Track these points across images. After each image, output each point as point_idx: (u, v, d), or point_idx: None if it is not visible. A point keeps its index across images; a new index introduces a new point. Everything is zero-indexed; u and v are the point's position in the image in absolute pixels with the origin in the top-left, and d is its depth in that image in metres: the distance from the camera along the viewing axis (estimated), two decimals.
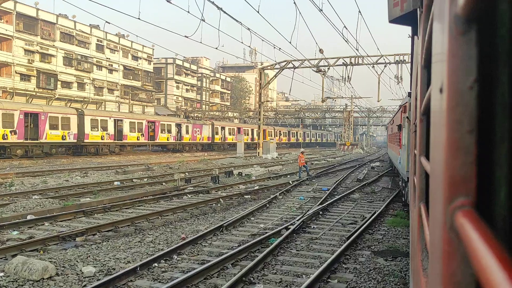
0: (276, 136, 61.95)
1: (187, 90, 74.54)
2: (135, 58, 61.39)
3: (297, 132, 69.79)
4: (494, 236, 0.50)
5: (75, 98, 48.25)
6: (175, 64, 68.82)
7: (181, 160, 25.29)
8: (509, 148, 0.61)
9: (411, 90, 6.37)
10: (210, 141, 46.33)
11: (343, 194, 14.31)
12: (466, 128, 0.64)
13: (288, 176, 20.46)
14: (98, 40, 53.23)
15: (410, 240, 4.42)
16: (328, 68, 30.54)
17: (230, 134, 53.54)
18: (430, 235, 1.02)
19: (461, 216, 0.61)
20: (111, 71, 55.27)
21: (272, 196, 13.11)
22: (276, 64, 32.71)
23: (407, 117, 10.18)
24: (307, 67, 30.81)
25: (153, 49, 61.69)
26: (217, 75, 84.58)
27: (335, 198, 13.29)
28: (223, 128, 52.45)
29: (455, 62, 0.66)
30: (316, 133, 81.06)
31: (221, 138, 54.77)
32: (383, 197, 14.63)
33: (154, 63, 71.01)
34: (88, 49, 51.70)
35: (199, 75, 78.71)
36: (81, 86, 50.13)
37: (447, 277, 0.66)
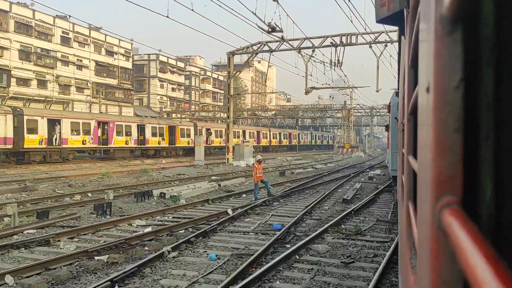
0: (266, 138, 54.04)
1: (173, 89, 67.66)
2: (110, 53, 54.29)
3: (290, 134, 62.02)
4: (481, 233, 0.52)
5: (35, 97, 41.25)
6: (158, 61, 61.62)
7: (104, 172, 18.15)
8: (494, 146, 0.64)
9: (398, 89, 6.33)
10: (192, 145, 39.23)
11: (301, 242, 8.35)
12: (452, 127, 0.65)
13: (244, 195, 15.70)
14: (63, 32, 46.31)
15: (398, 238, 4.69)
16: (313, 51, 23.26)
17: (218, 136, 49.27)
18: (418, 233, 1.04)
19: (448, 214, 0.62)
20: (80, 67, 48.44)
21: (155, 254, 7.38)
22: (248, 48, 25.42)
23: (395, 118, 9.89)
24: (286, 49, 23.56)
25: (132, 44, 54.46)
26: (208, 73, 77.06)
27: (281, 255, 7.32)
28: (208, 129, 46.94)
29: (441, 62, 0.68)
30: (314, 135, 73.76)
31: (206, 141, 48.04)
32: (376, 244, 8.89)
33: (134, 60, 63.70)
34: (51, 42, 44.65)
35: (187, 73, 71.34)
36: (42, 83, 43.47)
37: (435, 274, 0.68)
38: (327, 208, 12.83)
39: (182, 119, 52.16)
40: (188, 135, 42.41)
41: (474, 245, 0.48)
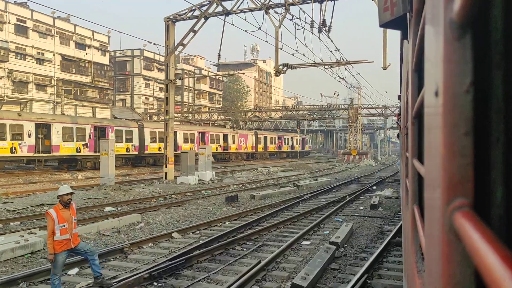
0: (260, 143, 45.06)
1: (161, 89, 58.95)
2: (81, 46, 46.02)
3: (292, 138, 53.22)
4: (494, 235, 0.54)
5: None
6: (142, 57, 53.30)
7: None
8: (504, 149, 0.66)
9: (400, 93, 6.38)
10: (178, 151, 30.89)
11: None
12: (462, 130, 0.67)
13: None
14: (19, 20, 38.20)
15: (402, 243, 4.31)
16: (287, 8, 14.63)
17: (214, 141, 43.83)
18: (426, 237, 1.05)
19: (460, 216, 0.63)
20: (40, 61, 40.24)
21: None
22: (193, 10, 16.83)
23: (396, 122, 9.89)
24: (250, 10, 14.95)
25: (109, 37, 46.56)
26: (204, 72, 68.71)
27: None
28: (192, 134, 40.63)
29: (450, 66, 0.69)
30: (285, 138, 64.80)
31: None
32: None
33: (117, 56, 55.38)
34: (2, 30, 36.71)
35: (179, 71, 62.97)
36: None
37: (447, 277, 0.69)
38: None
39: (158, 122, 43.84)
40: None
41: (488, 247, 0.49)
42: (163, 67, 71.66)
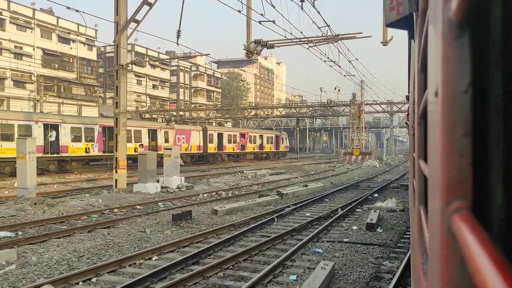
0: (211, 142, 41.03)
1: (154, 87, 55.83)
2: (65, 40, 42.70)
3: (261, 136, 51.01)
4: (491, 239, 0.54)
5: None
6: (133, 52, 50.11)
7: None
8: (503, 150, 0.66)
9: (408, 93, 6.40)
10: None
11: None
12: (461, 131, 0.67)
13: None
14: None
15: (410, 244, 4.24)
16: None
17: (229, 142, 41.64)
18: (429, 239, 1.05)
19: (458, 219, 0.64)
20: (19, 55, 37.04)
21: None
22: None
23: (406, 122, 9.90)
24: None
25: (96, 30, 43.59)
26: (201, 69, 65.60)
27: None
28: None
29: (449, 66, 0.69)
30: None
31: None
32: None
33: (107, 52, 52.42)
34: None
35: (175, 68, 59.92)
36: None
37: (446, 280, 0.69)
38: None
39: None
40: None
41: (483, 251, 0.50)
42: (156, 63, 68.60)
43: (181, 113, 57.62)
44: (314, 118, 62.19)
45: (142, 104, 59.19)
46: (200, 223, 11.56)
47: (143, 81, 60.19)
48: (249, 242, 9.73)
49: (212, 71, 78.10)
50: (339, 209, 14.32)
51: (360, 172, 31.87)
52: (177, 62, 63.75)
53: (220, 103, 72.80)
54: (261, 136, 49.85)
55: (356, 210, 14.66)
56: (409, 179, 3.84)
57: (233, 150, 44.59)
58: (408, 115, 12.35)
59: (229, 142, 43.76)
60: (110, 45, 58.29)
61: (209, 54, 17.33)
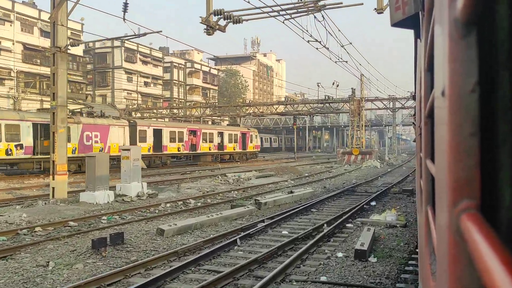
0: (144, 141, 32.27)
1: (146, 84, 53.11)
2: (48, 34, 38.82)
3: (221, 133, 41.78)
4: (499, 239, 0.55)
5: None
6: (123, 48, 47.54)
7: None
8: (511, 150, 0.66)
9: (415, 92, 6.26)
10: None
11: None
12: (468, 130, 0.67)
13: None
14: None
15: (418, 244, 4.34)
16: None
17: (172, 141, 34.13)
18: (437, 239, 1.03)
19: (466, 219, 0.64)
20: None
21: None
22: None
23: (412, 122, 9.26)
24: None
25: (83, 24, 40.80)
26: (197, 66, 62.88)
27: None
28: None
29: (456, 66, 0.70)
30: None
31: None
32: None
33: (96, 48, 49.79)
34: None
35: (168, 64, 57.23)
36: None
37: (454, 280, 0.69)
38: None
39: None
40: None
41: (492, 251, 0.50)
42: (148, 59, 65.95)
43: (174, 111, 54.92)
44: (313, 116, 59.26)
45: (133, 102, 56.55)
46: (134, 250, 8.55)
47: (134, 78, 57.57)
48: (186, 283, 6.71)
49: (208, 68, 75.28)
50: (325, 224, 11.60)
51: (359, 174, 29.47)
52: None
53: (217, 101, 69.92)
54: (220, 134, 41.14)
55: (346, 225, 11.86)
56: (416, 179, 3.76)
57: (179, 151, 35.65)
58: (414, 114, 12.25)
59: (173, 141, 34.98)
60: (99, 40, 55.47)
61: (161, 31, 14.53)
